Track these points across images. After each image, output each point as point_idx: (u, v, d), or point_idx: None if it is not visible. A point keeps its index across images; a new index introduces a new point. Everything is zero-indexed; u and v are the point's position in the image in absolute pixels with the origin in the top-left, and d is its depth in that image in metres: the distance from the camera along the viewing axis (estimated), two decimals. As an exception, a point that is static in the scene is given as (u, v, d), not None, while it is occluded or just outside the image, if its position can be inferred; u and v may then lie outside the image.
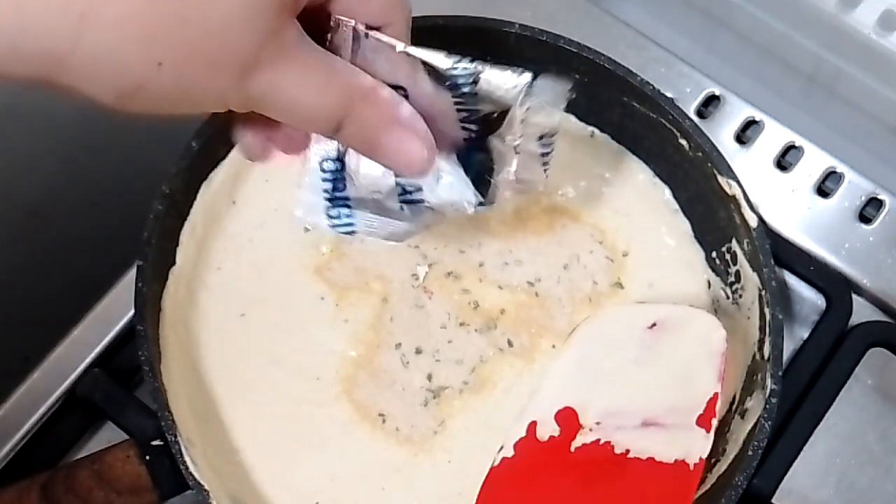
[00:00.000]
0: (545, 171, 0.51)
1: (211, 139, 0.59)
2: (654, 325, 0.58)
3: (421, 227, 0.52)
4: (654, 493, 0.55)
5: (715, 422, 0.55)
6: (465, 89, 0.46)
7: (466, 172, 0.50)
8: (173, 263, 0.60)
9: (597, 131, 0.65)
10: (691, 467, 0.55)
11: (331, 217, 0.51)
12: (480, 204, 0.50)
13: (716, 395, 0.56)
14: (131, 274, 0.57)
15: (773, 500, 0.61)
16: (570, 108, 0.64)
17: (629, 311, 0.61)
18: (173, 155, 0.58)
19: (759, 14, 0.74)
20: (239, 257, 0.62)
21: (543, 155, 0.50)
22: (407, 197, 0.50)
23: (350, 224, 0.51)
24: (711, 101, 0.73)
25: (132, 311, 0.57)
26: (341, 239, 0.63)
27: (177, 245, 0.60)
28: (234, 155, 0.61)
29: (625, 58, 0.61)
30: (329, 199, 0.50)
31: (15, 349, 0.67)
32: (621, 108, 0.62)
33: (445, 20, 0.60)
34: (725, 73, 0.75)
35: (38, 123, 0.72)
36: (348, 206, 0.51)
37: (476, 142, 0.49)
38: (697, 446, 0.55)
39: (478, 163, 0.50)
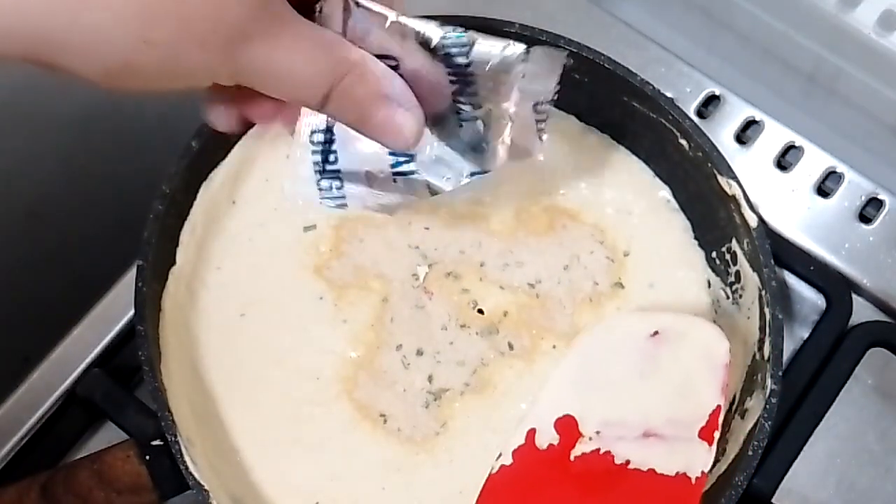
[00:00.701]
0: (541, 138, 0.50)
1: (211, 139, 0.59)
2: (655, 333, 0.58)
3: (414, 198, 0.51)
4: None
5: (717, 434, 0.55)
6: (459, 59, 0.45)
7: (460, 142, 0.49)
8: (173, 263, 0.60)
9: (597, 131, 0.65)
10: (693, 481, 0.54)
11: (321, 189, 0.50)
12: (474, 173, 0.50)
13: (718, 407, 0.55)
14: (131, 274, 0.57)
15: (773, 500, 0.61)
16: (570, 108, 0.64)
17: (631, 318, 0.61)
18: (173, 155, 0.58)
19: (759, 14, 0.74)
20: (239, 257, 0.62)
21: (538, 122, 0.49)
22: (399, 169, 0.50)
23: (341, 197, 0.51)
24: (711, 101, 0.73)
25: (132, 311, 0.57)
26: (341, 238, 0.63)
27: (177, 245, 0.60)
28: (234, 155, 0.61)
29: (625, 58, 0.61)
30: (319, 172, 0.50)
31: (15, 349, 0.67)
32: (621, 108, 0.62)
33: (445, 20, 0.59)
34: (725, 73, 0.75)
35: (38, 123, 0.72)
36: (339, 179, 0.50)
37: (469, 111, 0.48)
38: (699, 460, 0.55)
39: (471, 132, 0.49)
